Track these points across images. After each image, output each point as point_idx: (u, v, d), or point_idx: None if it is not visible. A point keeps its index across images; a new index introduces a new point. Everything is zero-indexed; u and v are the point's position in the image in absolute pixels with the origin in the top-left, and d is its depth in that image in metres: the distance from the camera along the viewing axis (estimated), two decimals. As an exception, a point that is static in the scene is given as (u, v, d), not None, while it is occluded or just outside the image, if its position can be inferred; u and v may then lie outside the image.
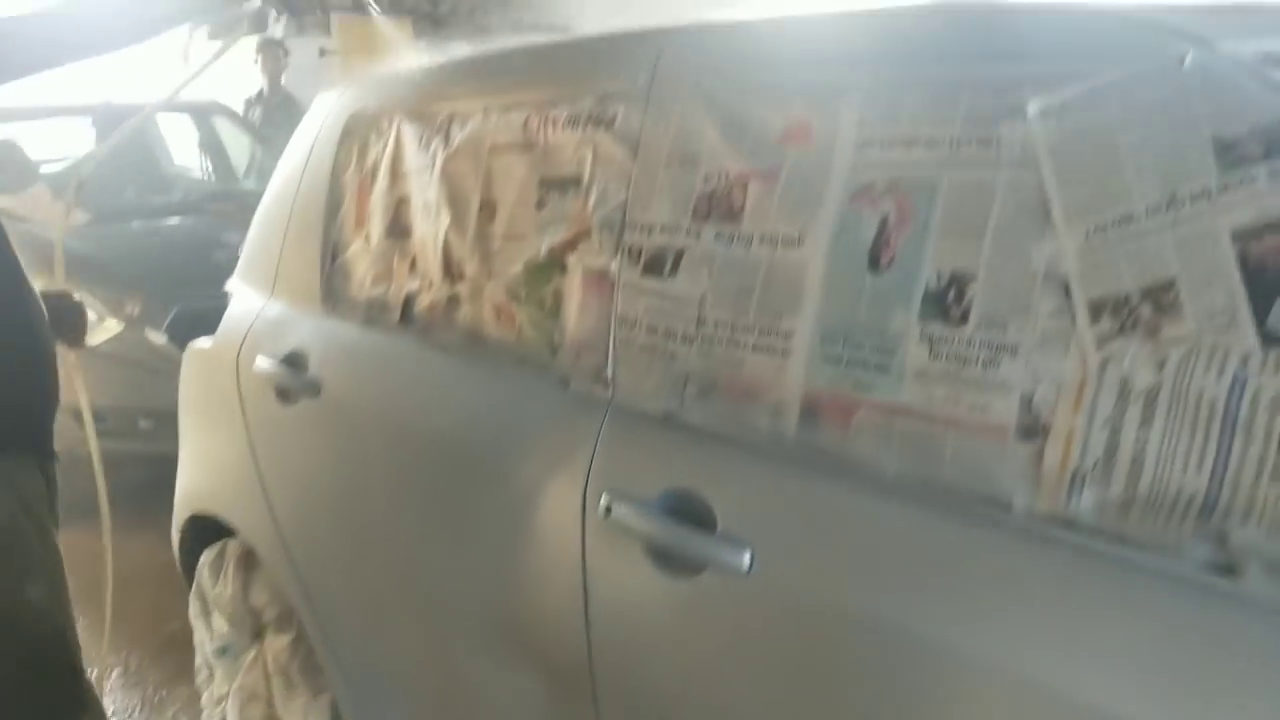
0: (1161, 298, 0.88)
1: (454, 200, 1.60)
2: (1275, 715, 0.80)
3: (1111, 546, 0.90)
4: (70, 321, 1.97)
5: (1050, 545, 0.93)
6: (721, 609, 1.15)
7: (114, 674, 2.95)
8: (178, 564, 2.39)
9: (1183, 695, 0.84)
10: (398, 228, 1.74)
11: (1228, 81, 0.88)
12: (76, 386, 2.01)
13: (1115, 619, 0.88)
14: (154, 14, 1.69)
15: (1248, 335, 0.84)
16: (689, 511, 1.19)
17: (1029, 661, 0.91)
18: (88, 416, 2.12)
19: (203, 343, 2.19)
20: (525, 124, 1.49)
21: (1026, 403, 0.96)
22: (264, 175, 4.97)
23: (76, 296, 2.02)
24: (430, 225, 1.65)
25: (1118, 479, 0.90)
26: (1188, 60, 0.90)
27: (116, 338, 3.89)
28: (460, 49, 1.81)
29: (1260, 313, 0.84)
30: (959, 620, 0.97)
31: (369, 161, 1.82)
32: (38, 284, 1.81)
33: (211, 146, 5.88)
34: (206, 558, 2.25)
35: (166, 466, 2.37)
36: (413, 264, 1.69)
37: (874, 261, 1.08)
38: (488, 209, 1.55)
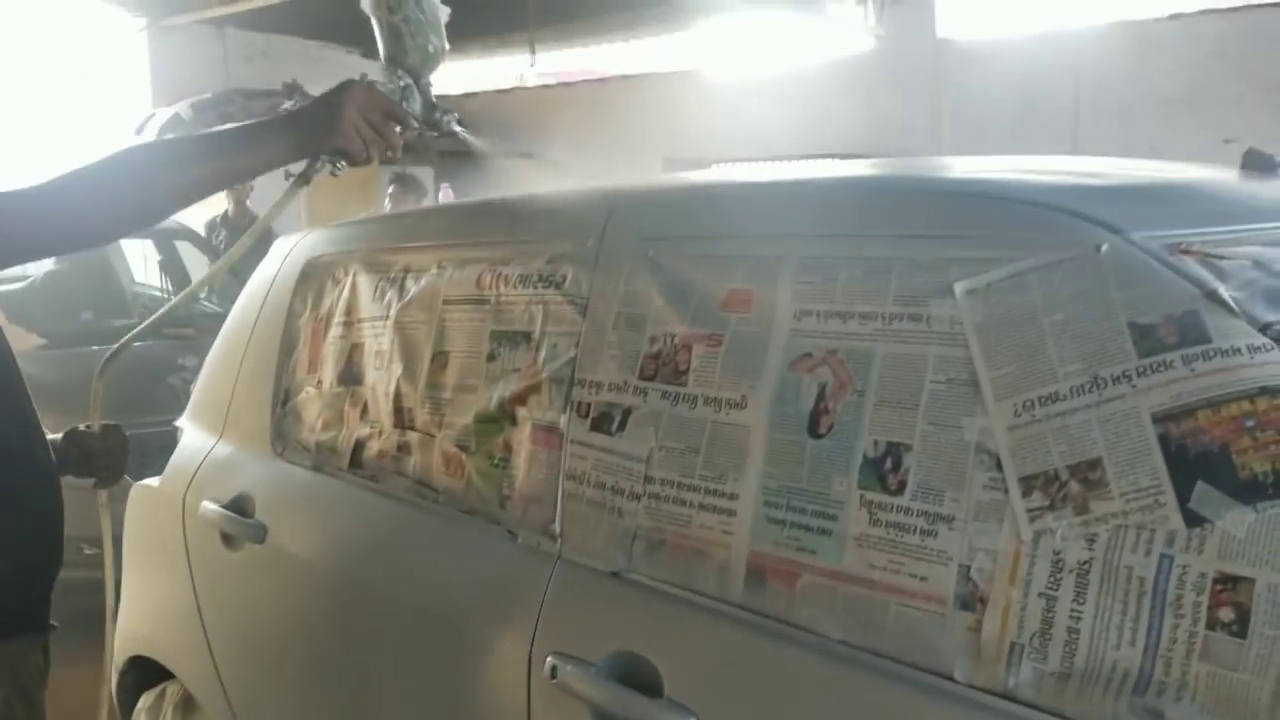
0: (1089, 475, 0.91)
1: (407, 349, 1.62)
2: None
3: (1051, 722, 0.90)
4: (107, 459, 1.73)
5: (994, 716, 0.93)
6: (667, 780, 1.13)
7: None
8: (115, 705, 2.30)
9: None
10: (350, 374, 1.74)
11: (1142, 270, 0.93)
12: (103, 528, 1.77)
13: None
14: (215, 171, 1.45)
15: (1172, 515, 0.86)
16: (635, 675, 1.17)
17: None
18: (108, 560, 1.84)
19: (150, 482, 2.16)
20: (478, 280, 1.52)
21: (964, 573, 0.97)
22: (224, 297, 4.97)
23: (99, 428, 1.75)
24: (382, 373, 1.66)
25: (1054, 652, 0.91)
26: (1104, 248, 0.95)
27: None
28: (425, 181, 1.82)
29: (1183, 493, 0.86)
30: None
31: (324, 307, 1.84)
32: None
33: (173, 269, 5.89)
34: (144, 702, 2.18)
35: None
36: (364, 410, 1.70)
37: (814, 427, 1.10)
38: (440, 359, 1.56)
